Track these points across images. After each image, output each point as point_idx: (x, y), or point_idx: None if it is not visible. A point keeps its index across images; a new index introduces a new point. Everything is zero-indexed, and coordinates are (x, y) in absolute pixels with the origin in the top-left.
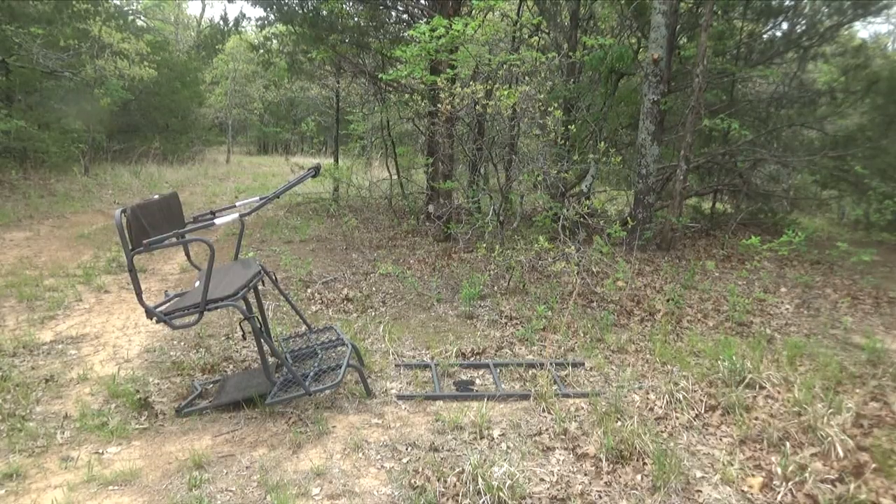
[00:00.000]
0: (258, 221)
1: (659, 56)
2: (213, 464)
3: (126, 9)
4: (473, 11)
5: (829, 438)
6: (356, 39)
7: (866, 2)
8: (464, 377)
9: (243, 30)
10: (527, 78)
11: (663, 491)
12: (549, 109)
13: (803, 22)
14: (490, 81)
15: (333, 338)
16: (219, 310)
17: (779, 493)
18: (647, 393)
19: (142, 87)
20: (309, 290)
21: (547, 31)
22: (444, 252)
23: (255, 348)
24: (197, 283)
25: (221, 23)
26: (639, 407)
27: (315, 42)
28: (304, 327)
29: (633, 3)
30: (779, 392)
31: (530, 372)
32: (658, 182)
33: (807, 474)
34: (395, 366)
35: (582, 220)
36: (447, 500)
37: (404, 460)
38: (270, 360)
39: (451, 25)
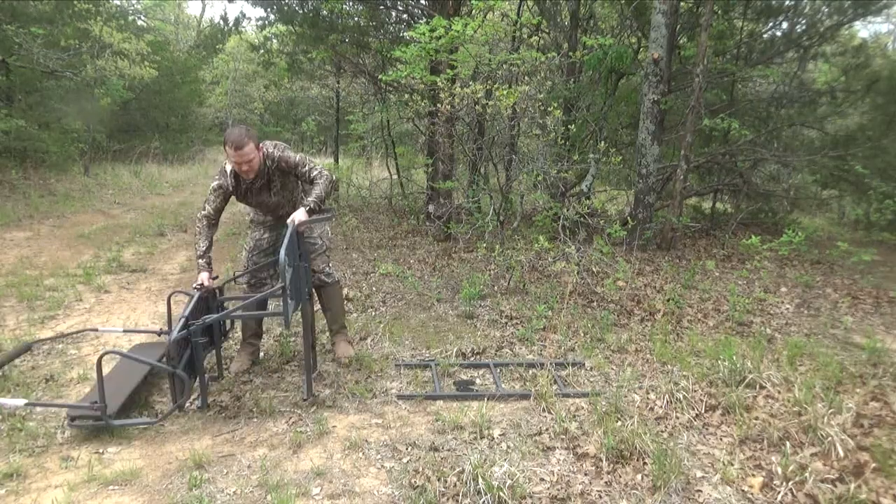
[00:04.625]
0: None
1: (659, 56)
2: (213, 464)
3: (127, 9)
4: (473, 11)
5: (830, 438)
6: (356, 39)
7: (866, 1)
8: (464, 377)
9: (243, 30)
10: (527, 78)
11: (663, 491)
12: (549, 109)
13: (803, 21)
14: (490, 81)
15: None
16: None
17: (779, 492)
18: (648, 393)
19: (142, 86)
20: None
21: (547, 30)
22: (444, 252)
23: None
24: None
25: (221, 23)
26: (639, 407)
27: (315, 42)
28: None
29: (633, 2)
30: (779, 392)
31: (530, 372)
32: (658, 182)
33: (807, 474)
34: (396, 365)
35: (582, 219)
36: (447, 499)
37: (404, 460)
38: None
39: (450, 25)
